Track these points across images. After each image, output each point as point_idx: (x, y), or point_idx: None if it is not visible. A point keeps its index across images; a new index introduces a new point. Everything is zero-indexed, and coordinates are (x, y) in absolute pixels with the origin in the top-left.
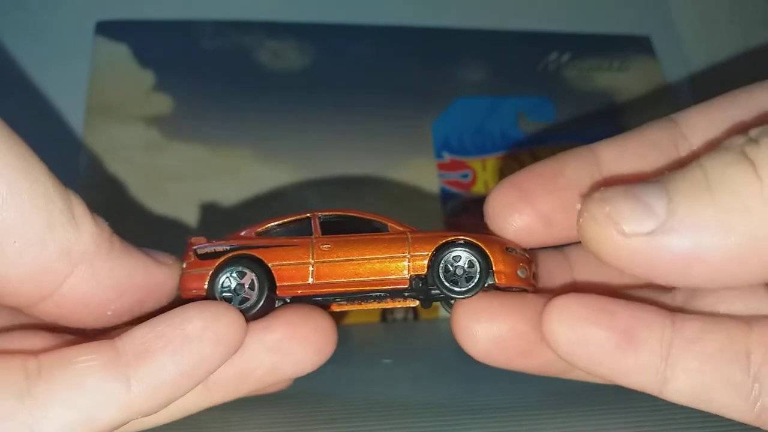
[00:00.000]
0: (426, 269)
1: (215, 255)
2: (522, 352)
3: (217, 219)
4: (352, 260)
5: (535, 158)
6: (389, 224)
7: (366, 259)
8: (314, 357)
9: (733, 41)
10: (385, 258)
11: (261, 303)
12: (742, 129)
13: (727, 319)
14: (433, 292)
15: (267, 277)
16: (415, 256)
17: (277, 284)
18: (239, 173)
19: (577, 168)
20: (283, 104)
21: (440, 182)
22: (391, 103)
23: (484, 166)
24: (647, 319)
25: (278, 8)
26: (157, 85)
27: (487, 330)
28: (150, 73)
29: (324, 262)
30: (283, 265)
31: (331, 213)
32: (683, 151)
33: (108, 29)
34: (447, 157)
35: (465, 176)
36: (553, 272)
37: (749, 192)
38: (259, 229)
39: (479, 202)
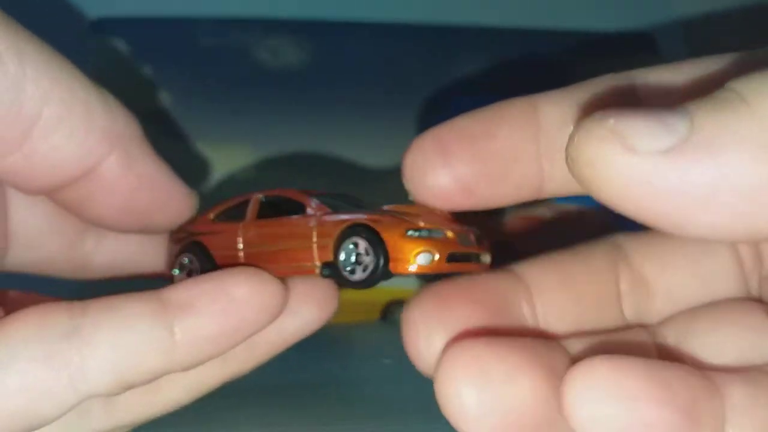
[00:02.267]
0: (332, 257)
1: (179, 240)
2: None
3: None
4: (270, 248)
5: None
6: (307, 205)
7: (280, 248)
8: (318, 315)
9: (737, 38)
10: (295, 246)
11: None
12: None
13: (760, 373)
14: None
15: (211, 263)
16: (321, 242)
17: (218, 264)
18: (236, 170)
19: (511, 130)
20: (281, 101)
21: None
22: (390, 100)
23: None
24: (704, 389)
25: (276, 5)
26: (154, 82)
27: (489, 398)
28: (148, 71)
29: (249, 250)
30: (220, 251)
31: (270, 194)
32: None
33: (105, 26)
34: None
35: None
36: (504, 304)
37: None
38: (216, 213)
39: None
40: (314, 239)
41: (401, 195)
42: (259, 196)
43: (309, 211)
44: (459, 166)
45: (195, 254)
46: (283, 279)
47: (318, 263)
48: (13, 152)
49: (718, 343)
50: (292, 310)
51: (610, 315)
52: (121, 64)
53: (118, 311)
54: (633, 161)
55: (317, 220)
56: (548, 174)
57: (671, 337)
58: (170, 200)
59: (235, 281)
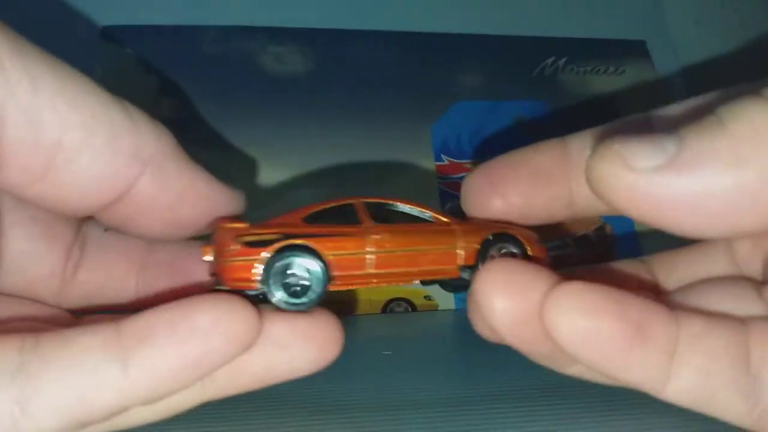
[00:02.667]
0: (474, 260)
1: (264, 243)
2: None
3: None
4: (409, 251)
5: None
6: (432, 214)
7: (420, 250)
8: (316, 356)
9: (728, 46)
10: (437, 249)
11: (320, 294)
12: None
13: (726, 317)
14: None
15: (324, 267)
16: (466, 247)
17: (334, 275)
18: (242, 176)
19: (545, 158)
20: (285, 108)
21: (439, 185)
22: (391, 106)
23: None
24: (657, 313)
25: (281, 14)
26: (161, 90)
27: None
28: (154, 78)
29: (380, 252)
30: (339, 254)
31: (372, 200)
32: None
33: (114, 34)
34: (446, 160)
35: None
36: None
37: (764, 121)
38: (304, 215)
39: None
40: (458, 244)
41: (401, 197)
42: (362, 200)
43: (441, 218)
44: (506, 190)
45: (305, 256)
46: (271, 313)
47: (460, 266)
48: (36, 181)
49: (703, 302)
50: (284, 346)
51: None
52: (129, 72)
53: (69, 346)
54: (633, 177)
55: (461, 227)
56: (576, 193)
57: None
58: (215, 208)
59: (199, 308)
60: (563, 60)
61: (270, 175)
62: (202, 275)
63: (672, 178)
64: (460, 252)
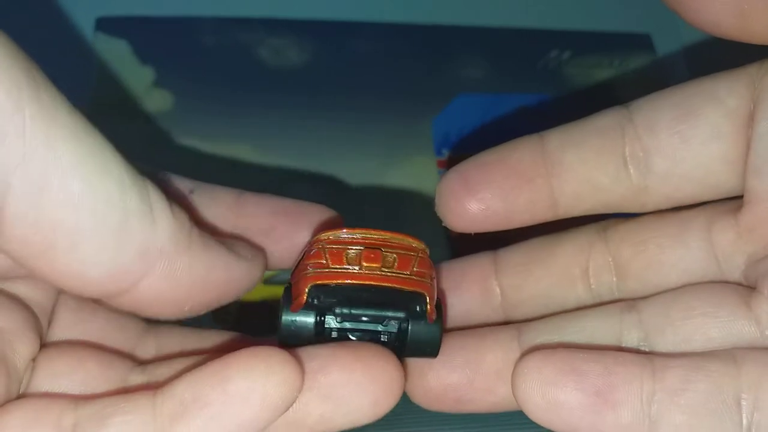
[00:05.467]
0: None
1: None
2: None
3: None
4: None
5: None
6: None
7: None
8: (372, 408)
9: (734, 41)
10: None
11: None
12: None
13: (712, 359)
14: None
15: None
16: None
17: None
18: (238, 168)
19: (521, 156)
20: (283, 100)
21: (440, 179)
22: (391, 99)
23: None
24: (623, 374)
25: (278, 5)
26: (157, 82)
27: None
28: (150, 70)
29: None
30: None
31: None
32: (628, 136)
33: (108, 26)
34: (447, 154)
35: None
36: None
37: None
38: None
39: None
40: None
41: (401, 193)
42: None
43: None
44: (479, 191)
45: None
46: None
47: None
48: (34, 257)
49: (687, 333)
50: (343, 401)
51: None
52: (123, 64)
53: (106, 427)
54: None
55: None
56: (558, 192)
57: (643, 324)
58: (229, 289)
59: (228, 375)
60: (567, 53)
61: (268, 168)
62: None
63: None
64: None
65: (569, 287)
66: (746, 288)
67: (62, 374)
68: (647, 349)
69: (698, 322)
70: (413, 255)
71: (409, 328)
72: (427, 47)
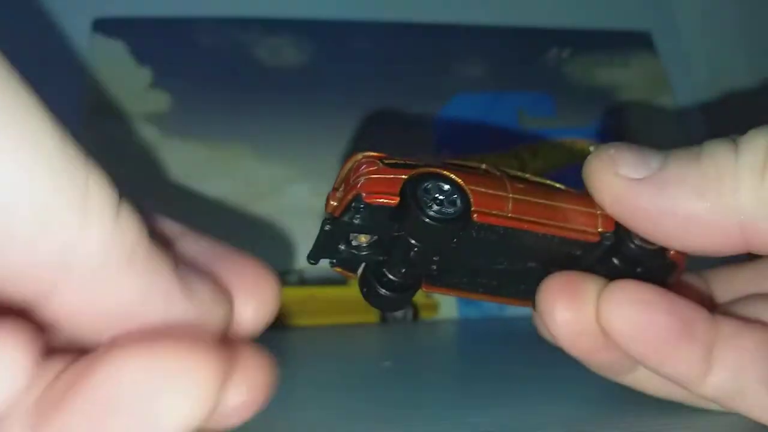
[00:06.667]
0: (614, 225)
1: (407, 166)
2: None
3: (214, 215)
4: (548, 204)
5: (535, 154)
6: (565, 188)
7: (561, 206)
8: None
9: (735, 36)
10: (578, 209)
11: (461, 217)
12: None
13: (758, 322)
14: (614, 260)
15: (465, 197)
16: (605, 213)
17: (474, 208)
18: (237, 170)
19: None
20: (281, 101)
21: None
22: (391, 99)
23: (484, 162)
24: (701, 312)
25: (276, 5)
26: (154, 83)
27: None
28: (147, 71)
29: (521, 198)
30: (481, 191)
31: (504, 170)
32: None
33: (104, 26)
34: (447, 152)
35: None
36: None
37: (725, 165)
38: (443, 162)
39: None
40: (598, 209)
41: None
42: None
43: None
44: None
45: (448, 182)
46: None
47: (598, 230)
48: None
49: (744, 312)
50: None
51: None
52: (120, 64)
53: None
54: (615, 180)
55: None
56: None
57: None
58: (177, 329)
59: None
60: (567, 51)
61: (266, 169)
62: None
63: (645, 190)
64: (599, 217)
65: None
66: None
67: None
68: None
69: (755, 307)
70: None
71: None
72: (427, 46)
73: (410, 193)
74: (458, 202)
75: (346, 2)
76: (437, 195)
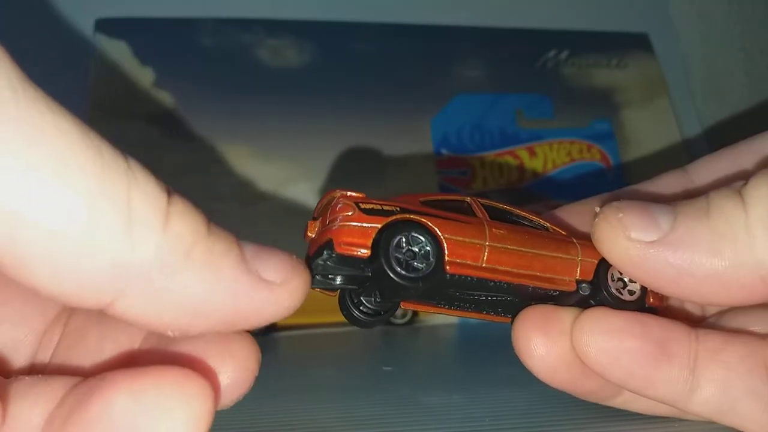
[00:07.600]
0: (592, 275)
1: (383, 213)
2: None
3: (215, 215)
4: (526, 252)
5: (533, 155)
6: (550, 226)
7: (539, 254)
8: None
9: (731, 38)
10: (557, 257)
11: (430, 275)
12: (743, 176)
13: (745, 333)
14: (592, 302)
15: (438, 249)
16: (585, 261)
17: (447, 259)
18: (238, 170)
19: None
20: (282, 101)
21: (439, 179)
22: (390, 100)
23: (482, 163)
24: (677, 332)
25: (277, 6)
26: (156, 83)
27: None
28: (150, 71)
29: (498, 247)
30: (457, 240)
31: (488, 203)
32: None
33: (107, 27)
34: (445, 153)
35: (464, 173)
36: None
37: (736, 221)
38: (423, 199)
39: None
40: (579, 256)
41: (399, 191)
42: (478, 199)
43: (559, 231)
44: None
45: (422, 233)
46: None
47: (575, 279)
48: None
49: (728, 323)
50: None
51: None
52: (123, 65)
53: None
54: (628, 244)
55: (579, 241)
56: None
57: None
58: (239, 318)
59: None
60: (565, 53)
61: (267, 169)
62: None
63: (660, 252)
64: (578, 266)
65: None
66: None
67: None
68: None
69: (740, 318)
70: None
71: None
72: (426, 47)
73: (382, 246)
74: (431, 256)
75: (347, 4)
76: (410, 247)
